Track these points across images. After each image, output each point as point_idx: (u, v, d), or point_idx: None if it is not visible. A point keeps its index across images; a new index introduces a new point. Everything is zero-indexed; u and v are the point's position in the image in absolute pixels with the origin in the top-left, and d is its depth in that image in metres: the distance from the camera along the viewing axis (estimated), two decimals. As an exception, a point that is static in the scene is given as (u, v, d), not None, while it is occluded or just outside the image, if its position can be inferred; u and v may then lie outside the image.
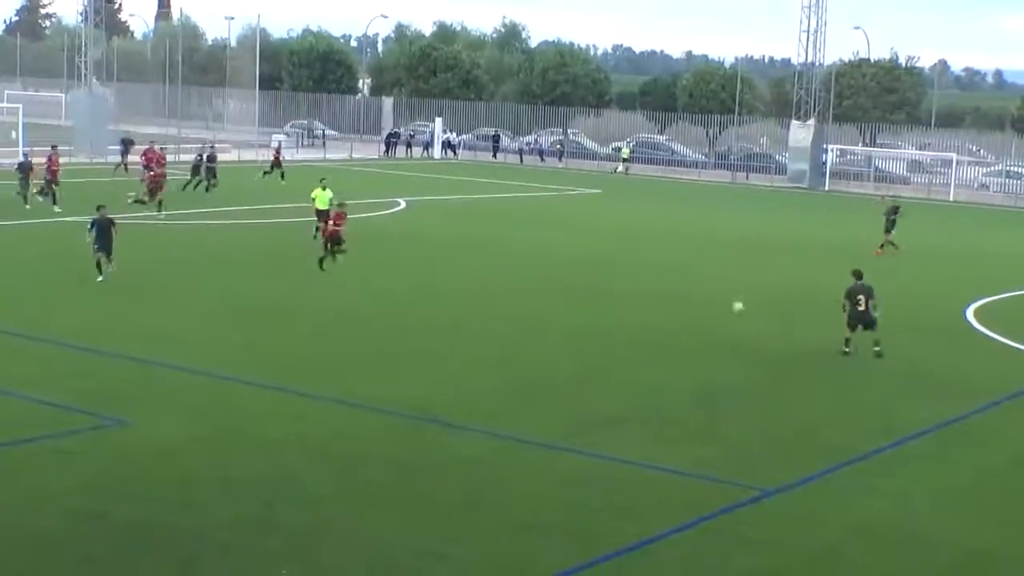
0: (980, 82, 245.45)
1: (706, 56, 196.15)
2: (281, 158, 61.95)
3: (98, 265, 31.09)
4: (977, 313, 33.08)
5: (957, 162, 79.73)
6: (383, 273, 35.36)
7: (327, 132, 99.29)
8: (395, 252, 39.49)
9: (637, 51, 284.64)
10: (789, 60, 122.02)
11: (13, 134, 68.57)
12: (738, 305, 28.63)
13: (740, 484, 17.77)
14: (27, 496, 15.99)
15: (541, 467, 18.36)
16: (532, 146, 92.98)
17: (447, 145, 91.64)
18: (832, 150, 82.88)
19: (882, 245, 45.33)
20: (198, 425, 19.44)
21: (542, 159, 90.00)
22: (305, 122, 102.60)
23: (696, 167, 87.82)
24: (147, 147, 53.23)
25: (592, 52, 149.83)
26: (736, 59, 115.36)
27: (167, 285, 31.52)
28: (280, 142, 62.07)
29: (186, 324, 27.08)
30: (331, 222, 34.96)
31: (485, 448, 19.13)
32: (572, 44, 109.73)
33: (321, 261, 33.85)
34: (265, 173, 60.80)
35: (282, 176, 58.98)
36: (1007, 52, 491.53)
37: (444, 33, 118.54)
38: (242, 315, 28.27)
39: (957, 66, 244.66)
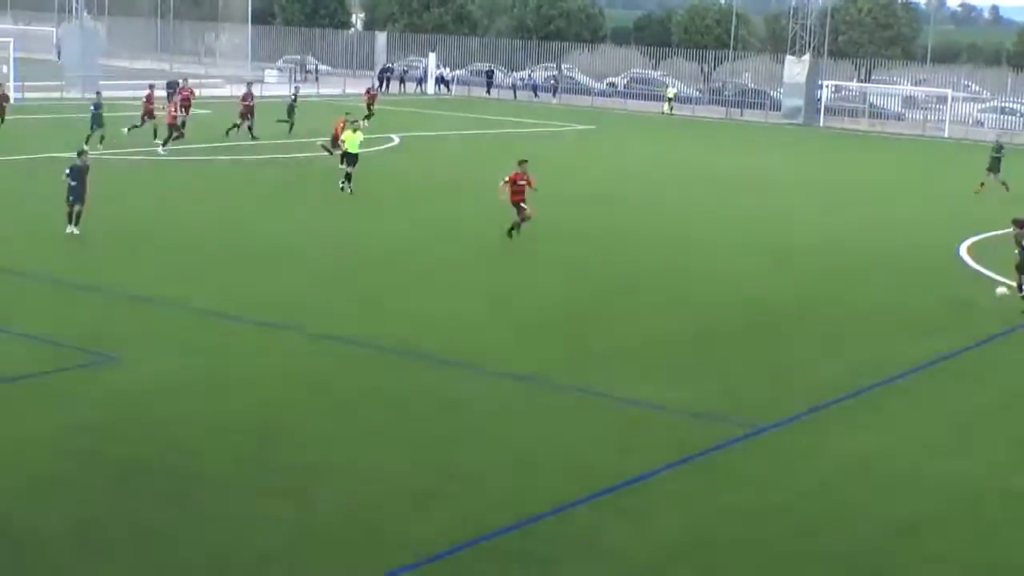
0: (976, 18, 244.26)
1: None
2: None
3: (69, 216, 28.69)
4: (971, 250, 33.13)
5: (952, 98, 79.54)
6: (381, 211, 35.32)
7: (320, 67, 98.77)
8: (389, 189, 39.39)
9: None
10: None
11: (4, 68, 68.13)
12: (1002, 290, 26.61)
13: (733, 421, 17.87)
14: (16, 436, 15.98)
15: (536, 404, 18.44)
16: (526, 82, 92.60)
17: (440, 81, 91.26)
18: (827, 86, 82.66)
19: (982, 183, 45.31)
20: (191, 363, 19.47)
21: (536, 95, 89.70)
22: (298, 57, 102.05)
23: (691, 103, 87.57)
24: (181, 85, 53.52)
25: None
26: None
27: (161, 222, 31.48)
28: (296, 89, 61.11)
29: (181, 262, 27.09)
30: (514, 189, 30.03)
31: (481, 385, 19.19)
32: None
33: (510, 231, 30.26)
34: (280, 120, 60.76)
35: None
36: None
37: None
38: (240, 255, 28.25)
39: (953, 1, 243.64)
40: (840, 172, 52.11)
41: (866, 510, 14.89)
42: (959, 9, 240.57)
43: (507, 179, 30.31)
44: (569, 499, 14.62)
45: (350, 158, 37.24)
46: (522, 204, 30.30)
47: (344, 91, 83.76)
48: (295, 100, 55.86)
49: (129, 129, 47.31)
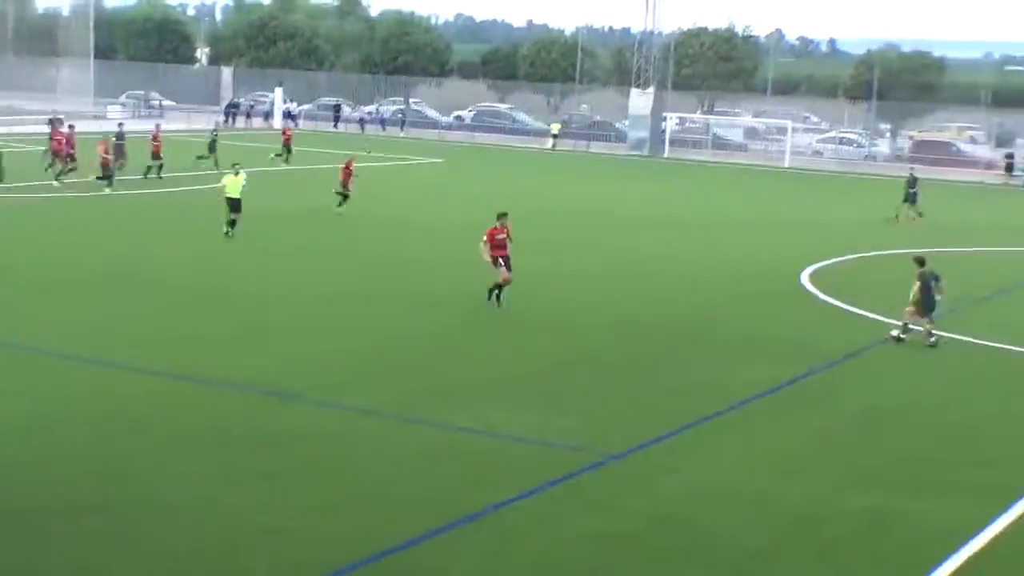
0: (814, 51, 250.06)
1: (547, 25, 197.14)
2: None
3: None
4: (813, 277, 33.86)
5: (792, 129, 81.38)
6: (227, 244, 34.91)
7: (164, 103, 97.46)
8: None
9: (478, 20, 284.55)
10: (629, 29, 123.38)
11: None
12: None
13: (584, 450, 17.98)
14: None
15: (392, 438, 18.35)
16: (374, 115, 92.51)
17: (288, 115, 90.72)
18: (671, 118, 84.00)
19: (896, 216, 47.29)
20: (24, 402, 19.00)
21: (383, 128, 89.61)
22: (142, 92, 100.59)
23: (538, 136, 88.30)
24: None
25: (433, 21, 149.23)
26: (577, 28, 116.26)
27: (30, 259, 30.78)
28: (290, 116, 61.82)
29: (23, 300, 26.50)
30: (495, 244, 27.61)
31: (334, 420, 19.05)
32: (413, 13, 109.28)
33: (492, 292, 27.67)
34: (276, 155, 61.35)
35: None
36: (840, 21, 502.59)
37: (284, 2, 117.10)
38: (88, 289, 27.71)
39: (792, 35, 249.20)
40: (684, 201, 52.95)
41: (717, 535, 15.09)
42: (797, 42, 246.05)
43: (485, 237, 27.77)
44: (420, 532, 14.56)
45: (233, 203, 35.86)
46: (504, 260, 27.69)
47: (189, 126, 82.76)
48: (216, 136, 56.01)
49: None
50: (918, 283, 26.17)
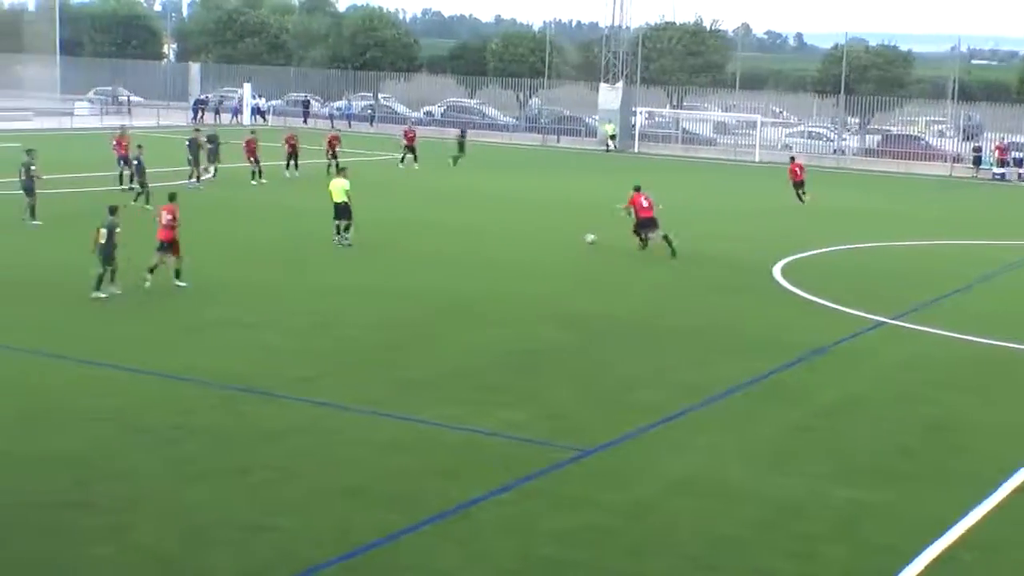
0: (782, 45, 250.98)
1: (515, 20, 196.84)
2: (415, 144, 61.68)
3: None
4: (784, 271, 33.91)
5: (761, 124, 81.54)
6: (194, 239, 34.70)
7: (132, 99, 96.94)
8: (205, 219, 38.77)
9: (446, 15, 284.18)
10: (597, 24, 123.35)
11: None
12: (590, 236, 30.90)
13: (558, 445, 17.95)
14: None
15: (361, 433, 18.28)
16: (343, 111, 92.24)
17: (256, 111, 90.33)
18: (640, 113, 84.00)
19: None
20: (3, 401, 18.88)
21: (349, 124, 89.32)
22: (109, 88, 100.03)
23: (507, 130, 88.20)
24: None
25: (401, 16, 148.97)
26: (544, 23, 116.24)
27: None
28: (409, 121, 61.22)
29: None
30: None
31: (303, 416, 18.97)
32: (380, 9, 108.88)
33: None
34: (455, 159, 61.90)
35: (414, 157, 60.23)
36: (807, 16, 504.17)
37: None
38: (44, 288, 27.53)
39: (759, 29, 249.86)
40: (655, 195, 52.85)
41: (691, 528, 15.08)
42: (765, 37, 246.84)
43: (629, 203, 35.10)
44: (397, 528, 14.51)
45: (339, 208, 34.57)
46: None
47: (158, 123, 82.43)
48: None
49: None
50: None
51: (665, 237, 35.18)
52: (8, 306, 25.75)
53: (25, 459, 16.43)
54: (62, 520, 14.40)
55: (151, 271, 27.59)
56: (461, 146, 64.12)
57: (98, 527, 14.23)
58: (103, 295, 26.42)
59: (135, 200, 40.09)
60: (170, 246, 27.86)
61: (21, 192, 36.73)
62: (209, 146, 49.39)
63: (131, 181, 43.13)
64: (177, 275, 27.87)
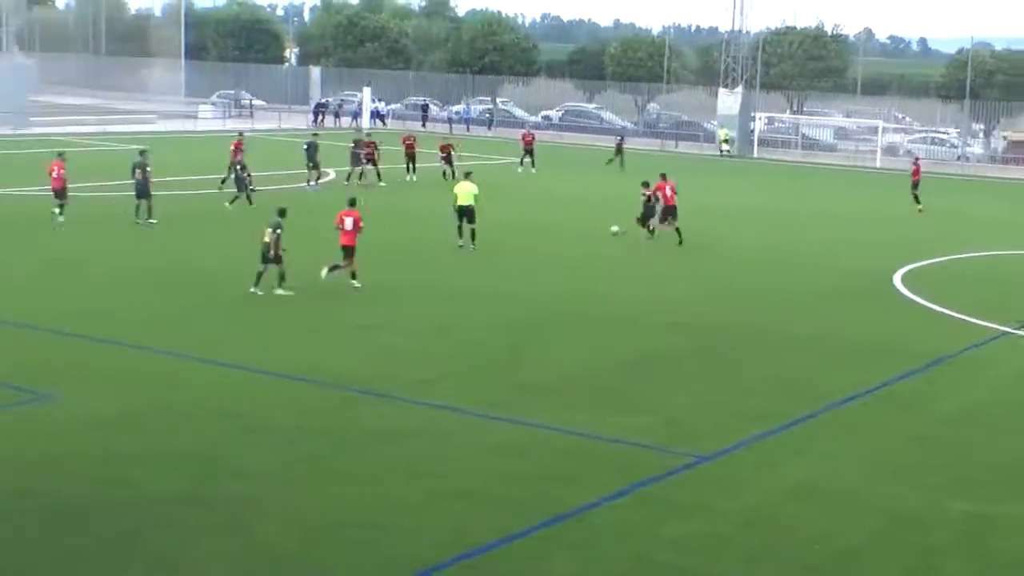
0: (905, 49, 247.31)
1: (634, 24, 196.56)
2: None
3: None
4: (904, 279, 33.43)
5: (883, 129, 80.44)
6: (316, 245, 35.13)
7: (254, 102, 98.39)
8: (325, 221, 39.18)
9: (565, 19, 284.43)
10: (716, 28, 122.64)
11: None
12: (615, 228, 35.00)
13: (673, 451, 17.89)
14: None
15: (477, 437, 18.37)
16: (461, 115, 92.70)
17: (376, 115, 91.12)
18: (760, 118, 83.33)
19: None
20: (128, 399, 19.28)
21: (468, 128, 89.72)
22: (232, 92, 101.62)
23: (625, 135, 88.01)
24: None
25: (520, 21, 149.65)
26: (664, 27, 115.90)
27: (97, 259, 31.24)
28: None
29: (115, 297, 26.90)
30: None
31: (421, 418, 19.11)
32: (500, 13, 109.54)
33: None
34: (609, 161, 63.37)
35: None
36: (932, 20, 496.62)
37: (371, 2, 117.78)
38: (170, 287, 28.04)
39: (882, 34, 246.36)
40: (775, 202, 52.46)
41: (807, 537, 14.95)
42: (888, 41, 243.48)
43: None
44: (511, 532, 14.56)
45: (464, 211, 34.47)
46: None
47: (280, 126, 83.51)
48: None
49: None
50: None
51: (677, 228, 37.37)
52: (130, 303, 26.27)
53: (150, 455, 16.76)
54: (184, 515, 14.67)
55: (331, 270, 28.36)
56: (619, 149, 64.99)
57: (219, 523, 14.48)
58: (259, 292, 27.15)
59: (231, 203, 40.66)
60: (351, 251, 28.44)
61: (133, 193, 37.43)
62: (356, 151, 50.43)
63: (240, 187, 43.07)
64: (353, 276, 28.41)
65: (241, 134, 49.94)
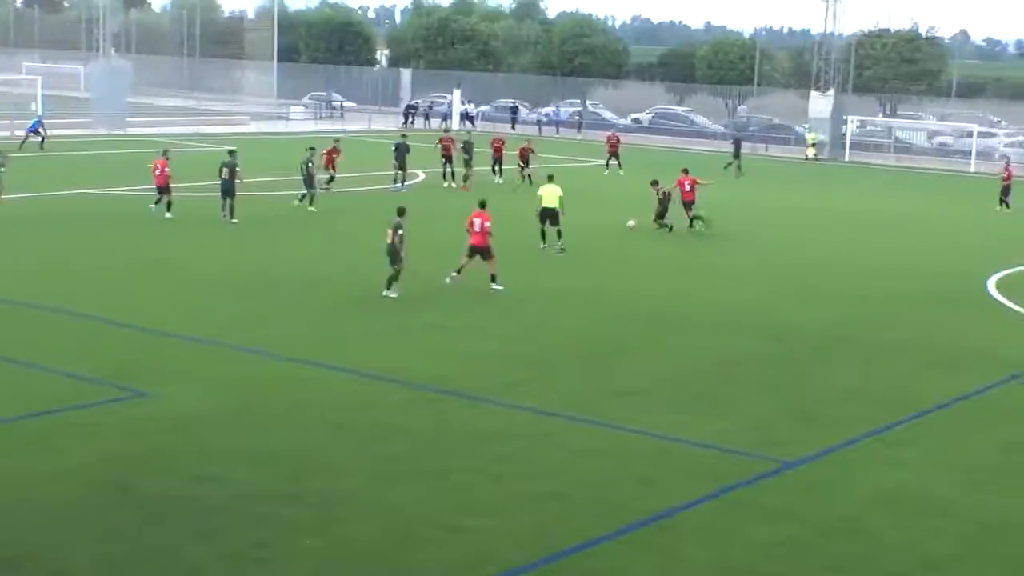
0: (1001, 52, 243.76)
1: (725, 27, 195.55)
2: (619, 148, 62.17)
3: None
4: (999, 285, 32.98)
5: (979, 133, 79.30)
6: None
7: (345, 104, 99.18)
8: (417, 224, 39.38)
9: (655, 22, 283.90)
10: (808, 31, 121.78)
11: (33, 106, 68.83)
12: (631, 223, 36.78)
13: (760, 456, 17.81)
14: (49, 468, 16.09)
15: (563, 439, 18.40)
16: (551, 117, 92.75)
17: (465, 116, 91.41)
18: (852, 121, 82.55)
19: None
20: (219, 397, 19.55)
21: (557, 131, 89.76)
22: (323, 94, 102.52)
23: (715, 138, 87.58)
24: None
25: (610, 23, 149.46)
26: (755, 30, 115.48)
27: (192, 258, 31.68)
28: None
29: (209, 297, 27.27)
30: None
31: (507, 420, 19.18)
32: (590, 15, 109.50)
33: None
34: (727, 165, 62.86)
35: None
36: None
37: (462, 5, 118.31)
38: (261, 288, 28.36)
39: (978, 36, 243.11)
40: (867, 206, 51.93)
41: (895, 546, 14.81)
42: (984, 43, 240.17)
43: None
44: (595, 535, 14.58)
45: (547, 214, 34.79)
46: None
47: (370, 127, 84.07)
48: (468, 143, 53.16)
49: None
50: None
51: (691, 218, 40.04)
52: (224, 303, 26.61)
53: (241, 453, 16.98)
54: (273, 512, 14.85)
55: (458, 272, 28.47)
56: (737, 153, 64.73)
57: (307, 520, 14.63)
58: (393, 294, 27.36)
59: (299, 201, 41.06)
60: (484, 252, 28.51)
61: (219, 192, 38.17)
62: (465, 156, 50.89)
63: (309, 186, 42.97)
64: (493, 279, 28.52)
65: (337, 139, 50.45)
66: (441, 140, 53.15)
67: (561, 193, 34.69)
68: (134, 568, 13.23)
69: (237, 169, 38.00)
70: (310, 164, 40.31)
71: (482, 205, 29.50)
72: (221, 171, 38.06)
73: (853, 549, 14.70)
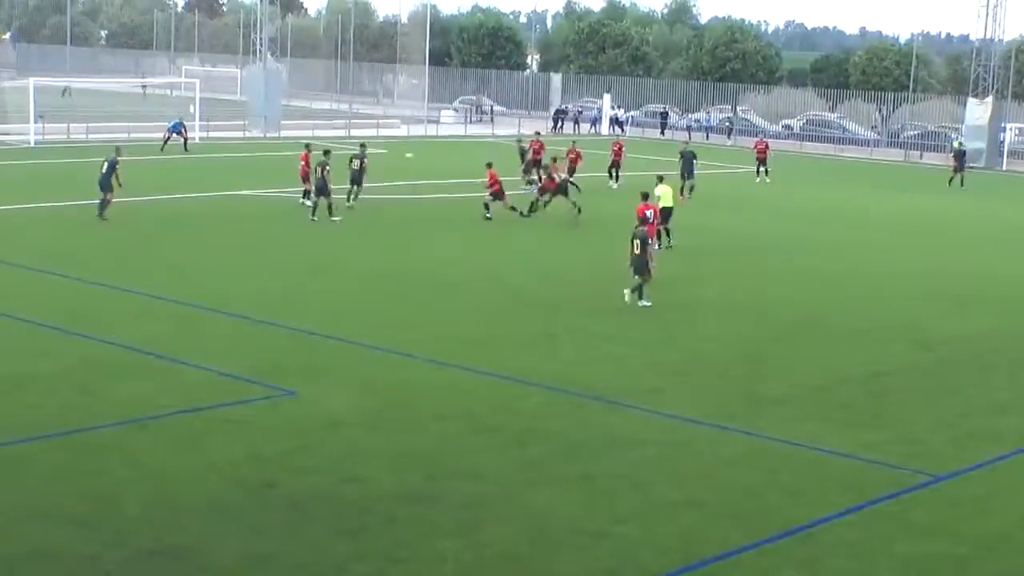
0: None
1: (880, 32, 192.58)
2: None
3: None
4: None
5: None
6: (549, 249, 35.42)
7: (495, 108, 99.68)
8: (556, 227, 39.47)
9: (809, 27, 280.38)
10: (967, 36, 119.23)
11: (191, 108, 70.40)
12: (409, 155, 36.92)
13: (908, 469, 17.44)
14: (198, 465, 16.39)
15: (706, 447, 18.23)
16: (701, 123, 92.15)
17: (615, 121, 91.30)
18: (1011, 129, 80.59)
19: None
20: (366, 397, 19.74)
21: (707, 137, 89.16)
22: (473, 98, 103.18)
23: (868, 145, 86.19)
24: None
25: (763, 28, 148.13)
26: (912, 35, 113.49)
27: (341, 259, 32.10)
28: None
29: (356, 297, 27.60)
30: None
31: (649, 427, 19.06)
32: (743, 20, 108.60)
33: None
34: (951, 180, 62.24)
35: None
36: None
37: (613, 9, 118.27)
38: (406, 289, 28.61)
39: None
40: (1016, 216, 50.64)
41: (1049, 565, 14.40)
42: None
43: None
44: (738, 544, 14.41)
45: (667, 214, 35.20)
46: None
47: (519, 131, 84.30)
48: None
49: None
50: None
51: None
52: (368, 304, 26.89)
53: (382, 453, 17.13)
54: (413, 513, 14.94)
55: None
56: (961, 165, 62.98)
57: (446, 522, 14.70)
58: (648, 303, 27.46)
59: (350, 201, 41.38)
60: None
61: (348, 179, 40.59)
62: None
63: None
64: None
65: (538, 133, 51.71)
66: (613, 145, 54.39)
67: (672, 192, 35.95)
68: (278, 565, 13.41)
69: (365, 161, 41.05)
70: (326, 170, 38.07)
71: (645, 197, 31.66)
72: (351, 162, 40.81)
73: (1007, 568, 14.33)
